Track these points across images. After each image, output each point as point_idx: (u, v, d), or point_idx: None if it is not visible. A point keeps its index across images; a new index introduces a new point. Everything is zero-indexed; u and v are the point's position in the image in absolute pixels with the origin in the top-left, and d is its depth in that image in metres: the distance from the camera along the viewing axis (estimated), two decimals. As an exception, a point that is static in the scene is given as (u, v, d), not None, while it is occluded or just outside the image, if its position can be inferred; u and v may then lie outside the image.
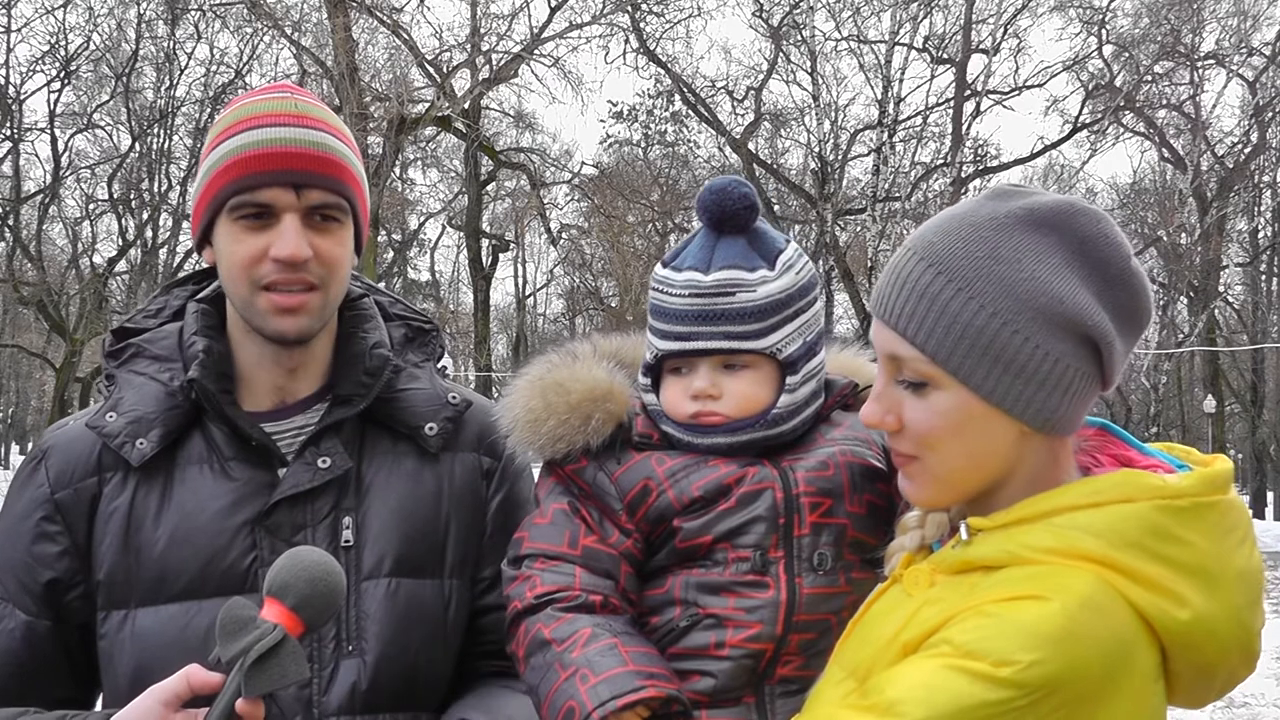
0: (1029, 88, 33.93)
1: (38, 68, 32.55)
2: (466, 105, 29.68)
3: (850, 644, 1.38)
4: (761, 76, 33.34)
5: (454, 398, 1.77)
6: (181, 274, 1.79)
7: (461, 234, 37.32)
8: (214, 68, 32.95)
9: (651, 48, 31.44)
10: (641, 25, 30.93)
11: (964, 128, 32.71)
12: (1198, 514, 1.25)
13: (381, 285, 2.03)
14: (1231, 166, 34.62)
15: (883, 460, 1.65)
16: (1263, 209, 38.36)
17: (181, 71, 33.55)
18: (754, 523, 1.57)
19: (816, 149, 32.20)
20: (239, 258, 1.61)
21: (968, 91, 32.59)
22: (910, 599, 1.32)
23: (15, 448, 55.05)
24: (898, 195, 31.66)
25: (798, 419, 1.64)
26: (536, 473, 1.77)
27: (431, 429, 1.72)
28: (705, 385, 1.62)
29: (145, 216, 34.00)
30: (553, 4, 29.72)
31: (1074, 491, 1.28)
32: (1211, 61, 33.40)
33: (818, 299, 1.70)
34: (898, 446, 1.36)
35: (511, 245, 40.77)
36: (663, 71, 32.39)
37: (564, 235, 38.57)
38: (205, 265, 1.74)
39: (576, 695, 1.46)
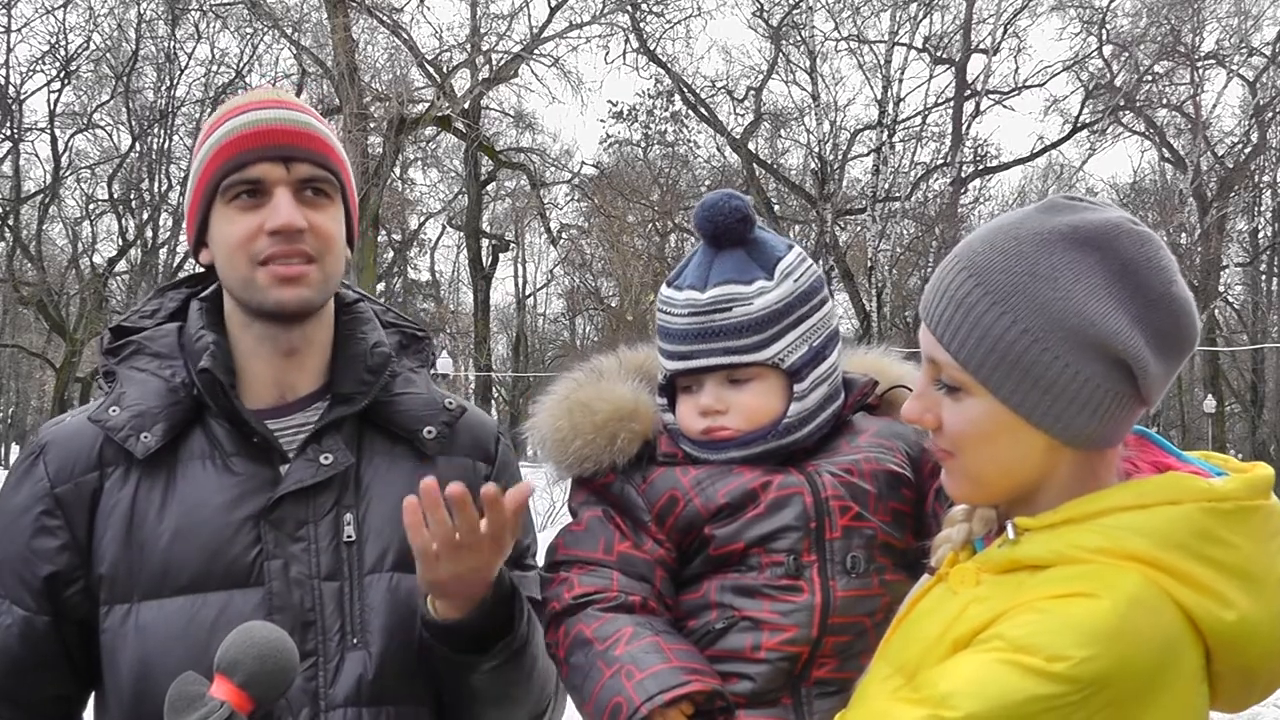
0: (1029, 88, 34.05)
1: (38, 68, 32.63)
2: (466, 105, 29.72)
3: (896, 641, 1.39)
4: (761, 76, 33.42)
5: (450, 403, 1.79)
6: (182, 274, 1.81)
7: (461, 234, 37.40)
8: (214, 68, 33.01)
9: (651, 48, 31.50)
10: (641, 25, 31.00)
11: (964, 128, 32.76)
12: (1242, 517, 1.26)
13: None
14: (1231, 166, 34.68)
15: (907, 466, 1.66)
16: (1263, 209, 38.42)
17: (182, 71, 33.58)
18: (786, 528, 1.58)
19: (816, 149, 32.24)
20: (235, 237, 1.62)
21: (968, 91, 32.63)
22: (956, 597, 1.33)
23: (15, 447, 55.11)
24: (898, 195, 31.73)
25: (812, 424, 1.65)
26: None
27: (430, 432, 1.73)
28: (711, 401, 1.64)
29: (145, 216, 34.03)
30: (553, 4, 29.77)
31: (1121, 493, 1.29)
32: (1211, 61, 33.46)
33: (824, 302, 1.70)
34: (938, 443, 1.39)
35: (511, 245, 40.88)
36: (663, 71, 32.48)
37: (564, 235, 38.63)
38: (202, 267, 1.75)
39: (623, 691, 1.48)
